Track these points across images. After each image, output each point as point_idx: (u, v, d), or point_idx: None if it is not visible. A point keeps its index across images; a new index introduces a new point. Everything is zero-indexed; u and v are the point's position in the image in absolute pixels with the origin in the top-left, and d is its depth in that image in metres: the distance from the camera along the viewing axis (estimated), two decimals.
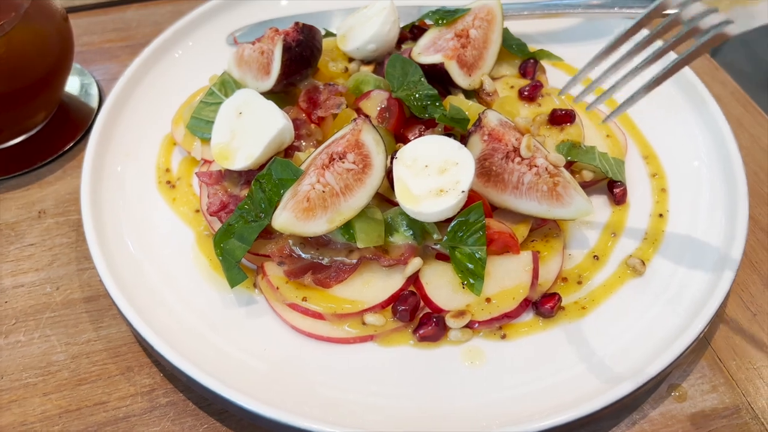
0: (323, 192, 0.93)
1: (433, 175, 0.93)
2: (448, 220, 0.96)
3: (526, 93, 1.17)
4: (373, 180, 0.95)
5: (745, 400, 0.94)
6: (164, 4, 1.56)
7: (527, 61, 1.24)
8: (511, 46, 1.24)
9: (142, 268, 1.02)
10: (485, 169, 1.00)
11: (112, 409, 0.93)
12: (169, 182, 1.15)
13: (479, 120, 1.00)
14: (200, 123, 1.14)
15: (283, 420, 0.83)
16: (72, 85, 1.38)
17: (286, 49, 1.08)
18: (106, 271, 0.97)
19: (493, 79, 1.22)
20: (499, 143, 0.99)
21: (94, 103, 1.35)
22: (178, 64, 1.32)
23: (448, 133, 1.06)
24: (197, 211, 1.10)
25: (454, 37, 1.16)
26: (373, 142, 0.95)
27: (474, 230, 0.94)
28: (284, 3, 1.44)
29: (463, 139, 1.01)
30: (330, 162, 0.95)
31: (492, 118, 1.00)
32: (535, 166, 0.98)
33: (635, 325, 0.96)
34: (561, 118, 1.13)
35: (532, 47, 1.27)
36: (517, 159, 0.99)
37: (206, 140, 1.13)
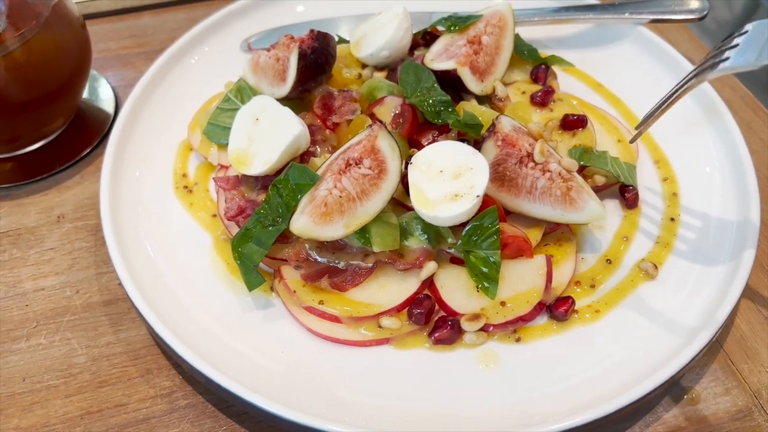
0: (340, 197, 0.94)
1: (448, 180, 0.95)
2: (463, 225, 0.97)
3: (538, 98, 1.18)
4: (389, 185, 0.96)
5: (757, 403, 0.95)
6: (179, 11, 1.58)
7: (539, 67, 1.25)
8: (523, 52, 1.26)
9: (161, 272, 1.04)
10: (499, 174, 1.01)
11: (132, 411, 0.95)
12: (186, 187, 1.17)
13: (493, 125, 1.01)
14: (217, 129, 1.16)
15: (300, 421, 0.85)
16: (89, 91, 1.40)
17: (302, 56, 1.10)
18: (126, 275, 0.99)
19: (505, 84, 1.23)
20: (512, 148, 1.00)
21: (111, 109, 1.37)
22: (193, 71, 1.34)
23: (461, 138, 1.08)
24: (214, 215, 1.12)
25: (467, 44, 1.18)
26: (388, 147, 0.97)
27: (488, 234, 0.96)
28: (300, 9, 1.45)
29: (477, 145, 1.03)
30: (346, 167, 0.96)
31: (506, 124, 1.02)
32: (549, 171, 0.99)
33: (648, 329, 0.97)
34: (573, 123, 1.14)
35: (543, 53, 1.29)
36: (531, 164, 1.00)
37: (223, 146, 1.15)
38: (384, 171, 0.96)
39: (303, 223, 0.94)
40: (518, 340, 0.97)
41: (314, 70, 1.13)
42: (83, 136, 1.32)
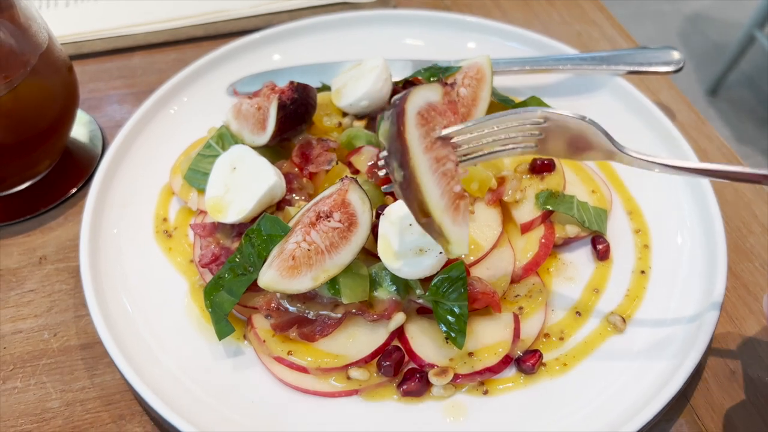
0: (308, 250, 0.96)
1: (416, 234, 0.96)
2: (431, 276, 0.99)
3: None
4: (359, 238, 0.98)
5: None
6: (169, 52, 1.61)
7: None
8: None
9: (136, 318, 1.06)
10: None
11: None
12: (166, 231, 1.19)
13: None
14: (197, 174, 1.18)
15: None
16: (77, 131, 1.42)
17: (281, 107, 1.13)
18: (101, 321, 1.01)
19: None
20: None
21: (98, 150, 1.40)
22: (179, 114, 1.36)
23: None
24: (192, 261, 1.14)
25: None
26: (359, 200, 0.99)
27: (456, 287, 0.97)
28: (282, 56, 1.48)
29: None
30: (317, 220, 0.98)
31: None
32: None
33: (615, 383, 0.98)
34: (542, 167, 1.16)
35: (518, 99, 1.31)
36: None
37: (203, 191, 1.17)
38: (354, 224, 0.98)
39: (270, 276, 0.96)
40: (486, 392, 0.98)
41: (293, 120, 1.15)
42: (69, 176, 1.34)
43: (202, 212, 1.17)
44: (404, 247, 0.96)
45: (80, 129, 1.44)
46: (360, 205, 0.99)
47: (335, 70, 1.44)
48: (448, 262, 0.97)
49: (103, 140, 1.42)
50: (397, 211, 1.00)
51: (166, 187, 1.25)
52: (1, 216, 1.26)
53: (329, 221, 0.97)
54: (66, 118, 1.27)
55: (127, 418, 1.01)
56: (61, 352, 1.08)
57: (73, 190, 1.32)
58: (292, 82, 1.15)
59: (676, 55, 1.34)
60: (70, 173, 1.35)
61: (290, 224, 1.00)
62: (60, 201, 1.30)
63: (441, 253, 0.94)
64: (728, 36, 4.38)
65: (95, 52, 1.59)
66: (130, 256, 1.14)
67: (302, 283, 0.96)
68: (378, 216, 1.02)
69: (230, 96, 1.42)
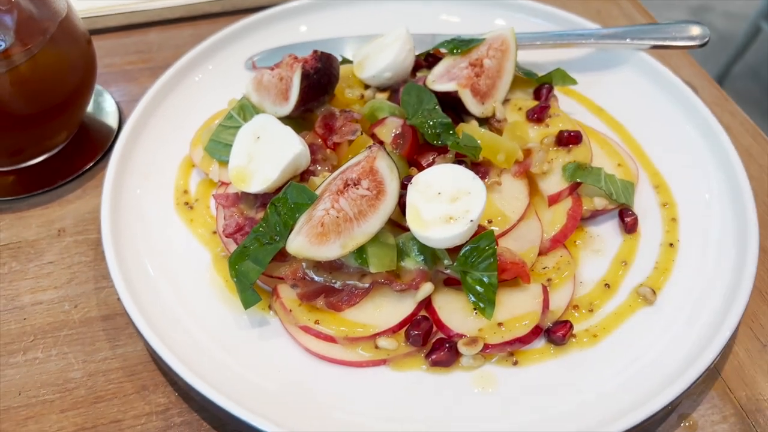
0: (337, 217, 0.95)
1: (445, 203, 0.95)
2: (458, 247, 0.97)
3: (533, 115, 1.19)
4: (387, 206, 0.96)
5: (755, 431, 0.94)
6: (185, 28, 1.60)
7: (542, 86, 1.25)
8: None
9: (159, 288, 1.04)
10: None
11: (127, 428, 0.95)
12: (187, 203, 1.17)
13: None
14: (218, 146, 1.17)
15: None
16: (93, 106, 1.41)
17: (305, 76, 1.11)
18: (125, 290, 0.99)
19: (506, 101, 1.23)
20: None
21: (114, 124, 1.38)
22: (197, 88, 1.35)
23: (459, 159, 1.08)
24: (214, 232, 1.12)
25: (468, 66, 1.19)
26: (387, 169, 0.97)
27: (485, 256, 0.95)
28: (304, 29, 1.47)
29: (474, 166, 1.03)
30: (344, 188, 0.96)
31: None
32: None
33: (646, 354, 0.97)
34: (568, 139, 1.14)
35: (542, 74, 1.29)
36: None
37: (224, 162, 1.15)
38: (382, 192, 0.97)
39: (299, 243, 0.95)
40: (515, 363, 0.97)
41: (317, 90, 1.13)
42: (86, 150, 1.33)
43: (224, 184, 1.16)
44: (433, 215, 0.94)
45: (96, 103, 1.42)
46: (388, 173, 0.97)
47: (353, 46, 1.43)
48: (477, 232, 0.96)
49: (119, 114, 1.40)
50: (426, 179, 0.98)
51: (185, 159, 1.24)
52: (19, 188, 1.25)
53: (357, 189, 0.96)
54: (84, 90, 1.26)
55: (150, 389, 0.99)
56: (82, 324, 1.07)
57: (90, 164, 1.31)
58: (315, 51, 1.13)
59: (700, 29, 1.33)
60: (86, 147, 1.34)
61: (316, 193, 0.99)
62: (77, 174, 1.29)
63: (471, 221, 0.92)
64: (734, 27, 4.35)
65: (111, 27, 1.58)
66: (150, 227, 1.13)
67: (331, 251, 0.94)
68: (405, 187, 1.01)
69: (249, 70, 1.40)
